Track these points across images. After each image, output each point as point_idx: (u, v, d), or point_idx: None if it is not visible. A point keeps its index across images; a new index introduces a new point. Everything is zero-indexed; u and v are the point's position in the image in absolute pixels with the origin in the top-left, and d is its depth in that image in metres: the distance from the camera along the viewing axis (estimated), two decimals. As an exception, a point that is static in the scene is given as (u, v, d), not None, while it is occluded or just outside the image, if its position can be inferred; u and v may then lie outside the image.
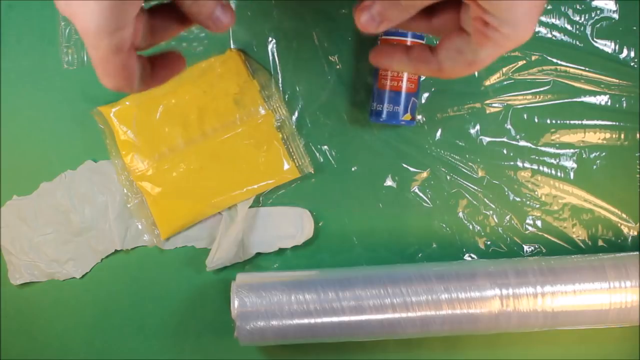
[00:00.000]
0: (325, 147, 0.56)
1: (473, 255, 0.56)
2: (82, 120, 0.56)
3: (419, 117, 0.56)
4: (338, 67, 0.56)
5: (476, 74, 0.56)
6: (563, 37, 0.56)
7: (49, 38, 0.55)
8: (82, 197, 0.55)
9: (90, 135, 0.56)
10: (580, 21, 0.56)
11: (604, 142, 0.56)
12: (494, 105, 0.56)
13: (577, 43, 0.56)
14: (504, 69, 0.56)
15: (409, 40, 0.52)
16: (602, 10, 0.56)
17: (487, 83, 0.56)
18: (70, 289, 0.56)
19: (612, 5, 0.56)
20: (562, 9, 0.56)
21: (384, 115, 0.53)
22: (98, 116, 0.55)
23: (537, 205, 0.56)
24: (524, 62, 0.56)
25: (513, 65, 0.56)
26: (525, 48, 0.56)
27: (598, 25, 0.56)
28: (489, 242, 0.56)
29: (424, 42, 0.52)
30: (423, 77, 0.55)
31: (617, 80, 0.56)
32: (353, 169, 0.56)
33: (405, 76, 0.52)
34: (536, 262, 0.51)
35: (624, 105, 0.56)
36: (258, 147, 0.55)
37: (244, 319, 0.50)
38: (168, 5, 0.36)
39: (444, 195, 0.56)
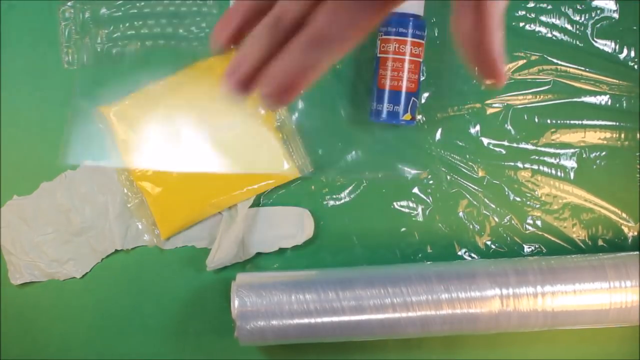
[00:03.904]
0: (326, 147, 0.56)
1: (473, 255, 0.56)
2: (82, 120, 0.56)
3: (419, 117, 0.56)
4: (338, 67, 0.56)
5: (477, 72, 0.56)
6: (563, 37, 0.56)
7: (49, 38, 0.55)
8: (82, 197, 0.55)
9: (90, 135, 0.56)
10: (580, 21, 0.56)
11: (604, 142, 0.56)
12: (494, 105, 0.56)
13: (578, 43, 0.56)
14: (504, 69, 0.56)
15: (409, 39, 0.52)
16: (602, 10, 0.56)
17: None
18: (71, 289, 0.56)
19: (612, 5, 0.56)
20: (562, 9, 0.56)
21: (384, 115, 0.52)
22: (98, 116, 0.55)
23: (537, 205, 0.56)
24: (524, 62, 0.56)
25: (513, 65, 0.56)
26: (525, 48, 0.56)
27: (598, 25, 0.56)
28: (489, 242, 0.56)
29: (423, 41, 0.52)
30: (423, 77, 0.55)
31: (617, 81, 0.56)
32: (353, 169, 0.56)
33: (405, 76, 0.52)
34: (536, 262, 0.51)
35: (624, 105, 0.56)
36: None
37: (244, 318, 0.50)
38: None
39: (444, 195, 0.56)
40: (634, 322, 0.51)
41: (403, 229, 0.56)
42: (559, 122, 0.56)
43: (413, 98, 0.52)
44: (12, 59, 0.55)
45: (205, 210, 0.55)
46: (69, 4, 0.55)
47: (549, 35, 0.56)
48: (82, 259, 0.56)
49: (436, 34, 0.56)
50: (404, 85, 0.52)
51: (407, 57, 0.52)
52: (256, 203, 0.56)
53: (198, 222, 0.56)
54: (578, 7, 0.56)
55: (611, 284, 0.50)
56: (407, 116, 0.52)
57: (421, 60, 0.52)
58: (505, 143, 0.56)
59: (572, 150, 0.56)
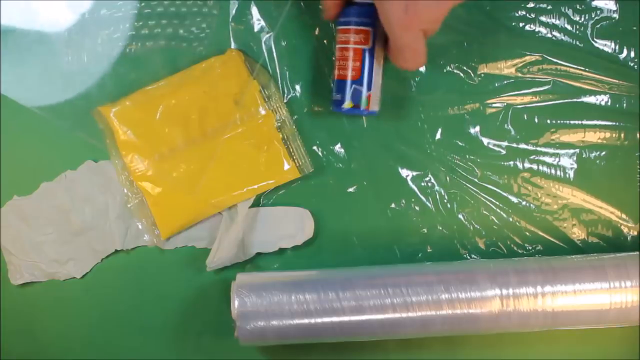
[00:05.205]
0: (326, 147, 0.56)
1: (473, 256, 0.56)
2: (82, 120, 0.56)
3: (418, 117, 0.56)
4: (338, 67, 0.56)
5: (477, 72, 0.56)
6: (563, 37, 0.56)
7: (48, 38, 0.55)
8: (83, 197, 0.55)
9: (90, 135, 0.56)
10: (580, 21, 0.56)
11: (604, 142, 0.56)
12: (494, 105, 0.56)
13: (578, 43, 0.56)
14: (504, 69, 0.56)
15: (352, 27, 0.51)
16: (602, 10, 0.56)
17: (487, 83, 0.56)
18: (71, 289, 0.56)
19: (612, 5, 0.56)
20: (562, 9, 0.56)
21: (333, 104, 0.53)
22: (98, 116, 0.55)
23: (537, 205, 0.56)
24: (524, 62, 0.56)
25: (513, 65, 0.56)
26: (525, 48, 0.56)
27: (598, 26, 0.56)
28: (489, 242, 0.56)
29: (368, 28, 0.51)
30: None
31: (617, 81, 0.56)
32: (353, 169, 0.56)
33: (350, 64, 0.52)
34: (536, 262, 0.51)
35: (624, 105, 0.56)
36: (258, 147, 0.55)
37: (244, 319, 0.50)
38: None
39: (444, 195, 0.56)
40: (634, 322, 0.51)
41: (403, 229, 0.56)
42: (558, 122, 0.56)
43: (355, 86, 0.52)
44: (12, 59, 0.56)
45: (206, 210, 0.55)
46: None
47: (549, 35, 0.56)
48: (82, 259, 0.56)
49: (434, 36, 0.55)
50: (349, 74, 0.52)
51: (350, 46, 0.51)
52: (256, 203, 0.56)
53: (198, 222, 0.56)
54: (578, 7, 0.56)
55: (611, 284, 0.50)
56: (349, 104, 0.52)
57: (365, 47, 0.52)
58: (505, 143, 0.56)
59: (572, 151, 0.56)
